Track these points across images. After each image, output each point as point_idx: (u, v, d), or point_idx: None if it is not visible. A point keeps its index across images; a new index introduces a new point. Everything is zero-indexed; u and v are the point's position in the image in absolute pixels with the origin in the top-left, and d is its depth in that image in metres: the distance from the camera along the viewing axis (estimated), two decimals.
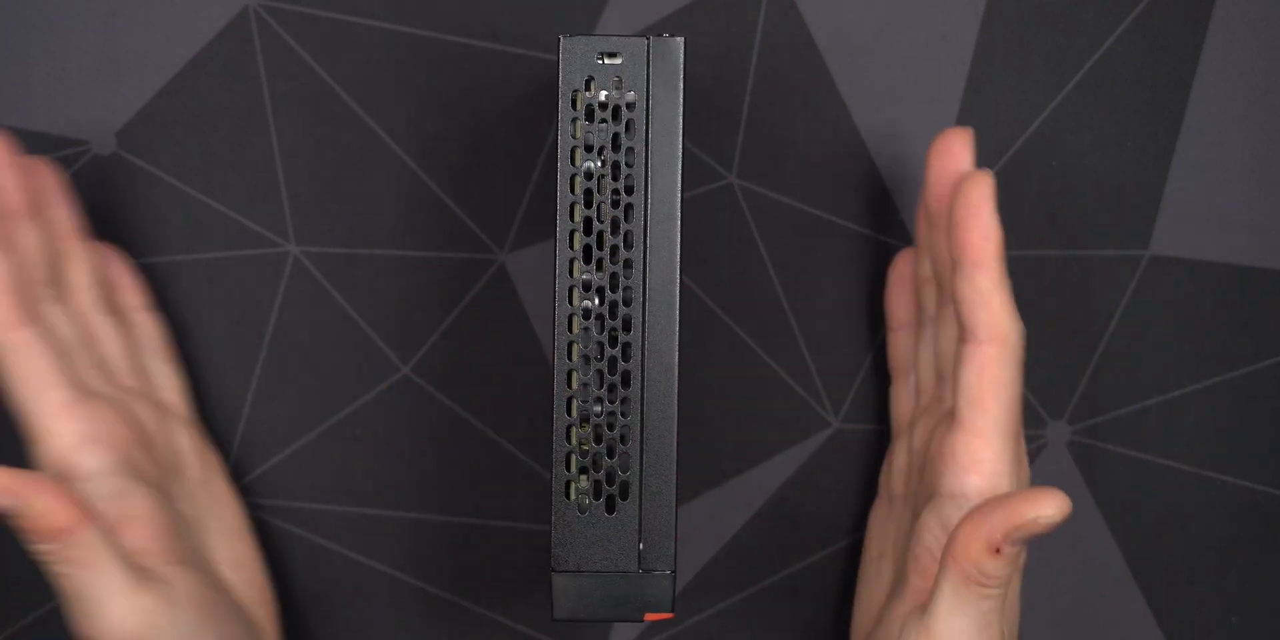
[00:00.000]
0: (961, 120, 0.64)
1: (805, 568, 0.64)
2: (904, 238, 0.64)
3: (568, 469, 0.54)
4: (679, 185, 0.54)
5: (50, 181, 0.59)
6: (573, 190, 0.54)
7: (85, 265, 0.59)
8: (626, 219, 0.54)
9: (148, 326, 0.61)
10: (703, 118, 0.63)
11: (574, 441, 0.54)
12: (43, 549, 0.53)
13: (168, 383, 0.61)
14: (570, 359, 0.54)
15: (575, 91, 0.54)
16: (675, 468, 0.54)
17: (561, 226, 0.53)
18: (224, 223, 0.64)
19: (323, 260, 0.64)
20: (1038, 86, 0.64)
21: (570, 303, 0.54)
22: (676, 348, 0.54)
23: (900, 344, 0.62)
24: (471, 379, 0.64)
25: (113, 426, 0.56)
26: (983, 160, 0.64)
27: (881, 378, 0.64)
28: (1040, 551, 0.64)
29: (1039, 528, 0.51)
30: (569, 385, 0.54)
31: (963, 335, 0.55)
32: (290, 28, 0.63)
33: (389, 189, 0.64)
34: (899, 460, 0.61)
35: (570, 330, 0.54)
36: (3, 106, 0.63)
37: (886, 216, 0.64)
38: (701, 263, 0.64)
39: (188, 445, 0.60)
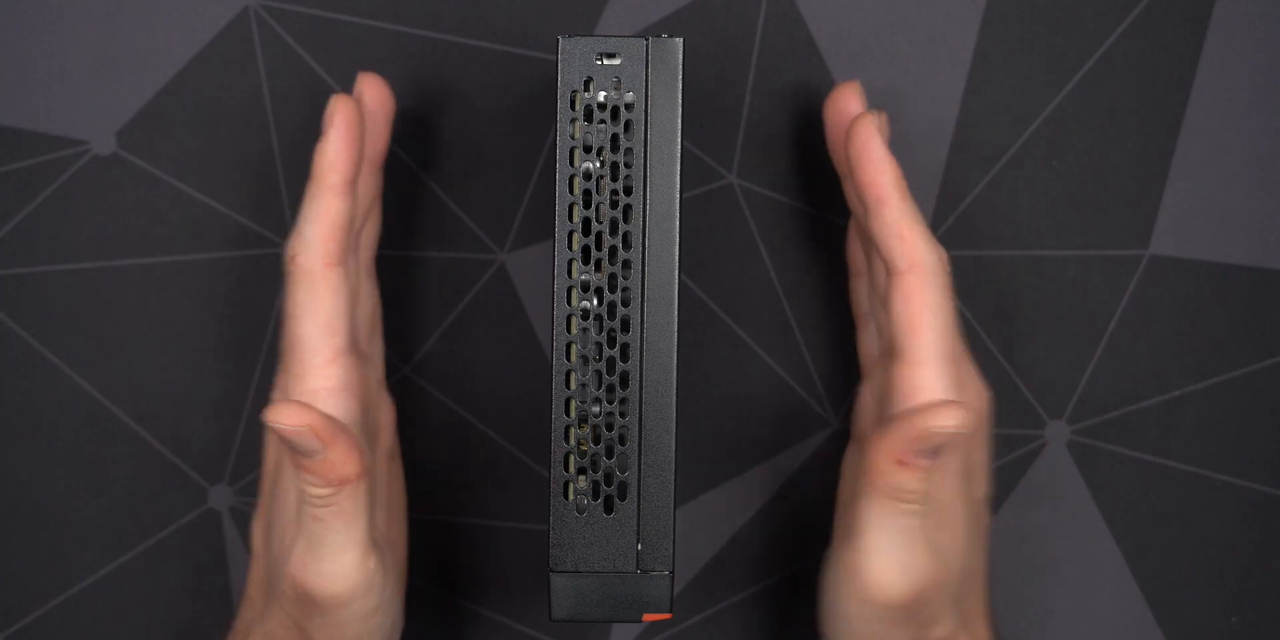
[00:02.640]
0: (961, 120, 0.64)
1: (805, 568, 0.64)
2: None
3: (566, 469, 0.54)
4: (678, 186, 0.54)
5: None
6: (571, 191, 0.54)
7: (375, 229, 0.61)
8: (625, 220, 0.54)
9: (377, 298, 0.62)
10: (703, 118, 0.63)
11: (572, 442, 0.54)
12: (315, 492, 0.54)
13: (378, 355, 0.62)
14: (569, 359, 0.54)
15: (574, 92, 0.54)
16: (674, 468, 0.54)
17: (560, 227, 0.53)
18: (224, 223, 0.64)
19: None
20: (1038, 86, 0.64)
21: (569, 303, 0.54)
22: (675, 348, 0.54)
23: (860, 290, 0.62)
24: (471, 379, 0.64)
25: (362, 382, 0.57)
26: (983, 160, 0.64)
27: None
28: (1040, 551, 0.64)
29: (937, 439, 0.52)
30: (567, 386, 0.54)
31: (886, 270, 0.56)
32: (290, 28, 0.63)
33: (389, 189, 0.64)
34: (867, 401, 0.61)
35: (569, 331, 0.54)
36: (3, 106, 0.63)
37: None
38: (701, 263, 0.64)
39: (386, 419, 0.61)
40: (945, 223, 0.64)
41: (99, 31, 0.63)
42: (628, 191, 0.54)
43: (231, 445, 0.64)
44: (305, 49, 0.63)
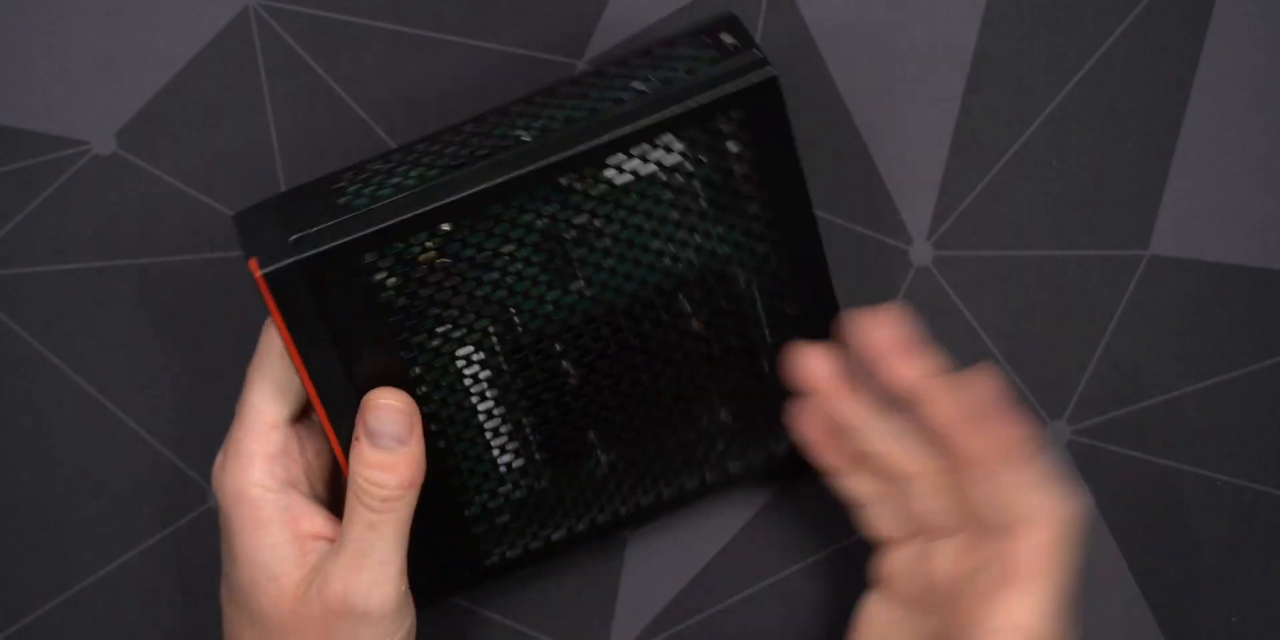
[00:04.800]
0: (961, 120, 0.64)
1: (805, 568, 0.64)
2: (904, 238, 0.64)
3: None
4: None
5: None
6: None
7: None
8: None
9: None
10: None
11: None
12: (382, 492, 0.56)
13: None
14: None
15: None
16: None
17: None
18: (224, 223, 0.64)
19: None
20: (1038, 86, 0.64)
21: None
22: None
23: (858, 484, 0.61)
24: None
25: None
26: (983, 160, 0.64)
27: None
28: None
29: None
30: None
31: (1008, 525, 0.55)
32: (290, 28, 0.63)
33: None
34: (904, 564, 0.60)
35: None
36: (3, 106, 0.63)
37: (886, 216, 0.64)
38: None
39: None
40: (945, 223, 0.64)
41: (99, 31, 0.63)
42: None
43: None
44: (305, 49, 0.63)
